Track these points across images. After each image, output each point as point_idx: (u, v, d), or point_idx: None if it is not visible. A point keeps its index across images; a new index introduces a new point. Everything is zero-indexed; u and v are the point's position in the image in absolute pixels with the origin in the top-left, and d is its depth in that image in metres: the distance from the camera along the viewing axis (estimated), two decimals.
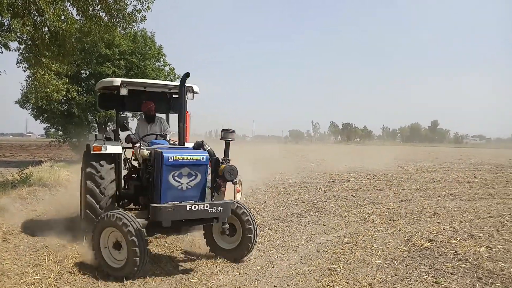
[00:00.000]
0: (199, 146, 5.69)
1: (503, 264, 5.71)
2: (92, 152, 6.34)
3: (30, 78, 15.31)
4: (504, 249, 6.45)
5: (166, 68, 25.10)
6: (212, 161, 5.52)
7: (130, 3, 12.04)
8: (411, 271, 5.49)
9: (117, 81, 6.62)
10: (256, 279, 5.13)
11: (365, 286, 4.92)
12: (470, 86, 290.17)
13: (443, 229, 7.83)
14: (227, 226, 5.45)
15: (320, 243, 6.83)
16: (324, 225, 8.18)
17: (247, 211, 5.76)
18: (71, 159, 23.52)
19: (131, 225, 4.84)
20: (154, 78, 23.12)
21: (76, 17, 11.76)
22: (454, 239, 7.02)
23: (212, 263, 5.69)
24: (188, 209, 5.05)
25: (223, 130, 5.54)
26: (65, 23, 10.97)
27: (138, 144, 6.70)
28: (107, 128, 24.91)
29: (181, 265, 5.60)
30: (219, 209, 5.23)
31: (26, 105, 24.00)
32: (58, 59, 12.08)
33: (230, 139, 5.52)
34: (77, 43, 13.42)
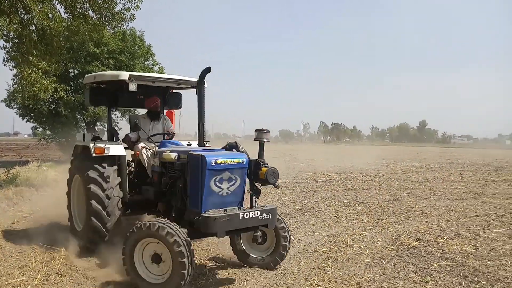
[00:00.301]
0: (232, 147, 5.29)
1: (488, 263, 5.79)
2: (94, 155, 5.82)
3: (17, 77, 15.14)
4: (489, 247, 6.55)
5: (156, 68, 24.98)
6: (251, 164, 5.10)
7: (119, 2, 11.96)
8: (399, 270, 5.54)
9: (125, 74, 5.99)
10: (245, 278, 5.13)
11: (354, 285, 4.96)
12: (458, 87, 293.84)
13: (431, 228, 7.91)
14: (260, 233, 5.02)
15: (309, 243, 6.86)
16: (313, 225, 8.21)
17: (281, 218, 5.50)
18: (59, 159, 23.26)
19: (178, 236, 4.33)
20: None
21: (64, 16, 11.66)
22: (441, 238, 7.10)
23: (200, 263, 5.68)
24: (241, 217, 4.68)
25: (256, 130, 5.07)
26: (53, 22, 10.87)
27: (141, 145, 6.35)
28: (95, 128, 24.70)
29: None
30: (268, 215, 4.91)
31: (12, 104, 23.69)
32: (46, 58, 11.96)
33: (264, 140, 5.05)
34: (65, 42, 13.32)
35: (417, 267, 5.65)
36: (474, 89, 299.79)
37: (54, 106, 22.63)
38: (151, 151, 6.13)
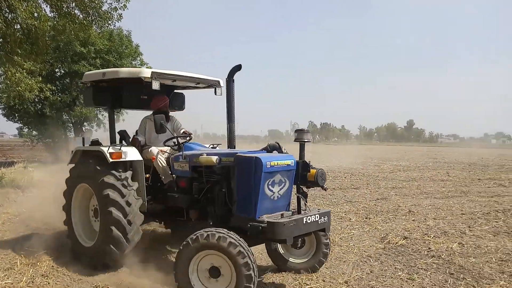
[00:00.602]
0: (274, 148, 5.00)
1: (473, 260, 5.88)
2: (111, 160, 5.28)
3: (2, 77, 14.94)
4: (475, 245, 6.64)
5: (143, 68, 24.84)
6: (298, 166, 4.80)
7: (106, 1, 11.87)
8: (386, 268, 5.59)
9: (147, 71, 5.30)
10: None
11: (341, 284, 4.99)
12: (444, 87, 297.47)
13: (418, 226, 7.99)
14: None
15: None
16: None
17: None
18: (45, 160, 22.98)
19: (242, 247, 3.96)
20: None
21: (49, 15, 11.53)
22: (428, 236, 7.18)
23: None
24: (304, 222, 4.48)
25: (297, 131, 4.79)
26: (38, 21, 10.75)
27: (156, 149, 5.87)
28: (83, 128, 24.47)
29: (162, 266, 5.54)
30: (325, 219, 4.75)
31: None
32: (31, 57, 11.83)
33: (305, 140, 4.76)
34: (51, 41, 13.17)
35: (404, 265, 5.71)
36: (461, 89, 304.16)
37: (40, 106, 22.36)
38: (165, 155, 5.83)
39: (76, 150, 6.01)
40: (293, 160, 4.76)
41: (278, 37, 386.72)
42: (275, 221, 4.30)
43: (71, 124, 24.30)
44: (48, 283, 4.86)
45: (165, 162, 5.79)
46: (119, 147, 5.50)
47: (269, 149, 5.02)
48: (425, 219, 8.72)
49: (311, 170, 4.81)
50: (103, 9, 11.85)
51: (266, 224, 4.30)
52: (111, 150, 5.40)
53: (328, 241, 5.30)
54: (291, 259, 5.42)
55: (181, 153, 5.44)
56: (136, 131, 6.34)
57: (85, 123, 24.80)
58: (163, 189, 5.79)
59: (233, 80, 5.14)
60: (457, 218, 8.82)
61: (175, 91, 6.90)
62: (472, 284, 4.98)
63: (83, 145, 6.08)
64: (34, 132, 25.36)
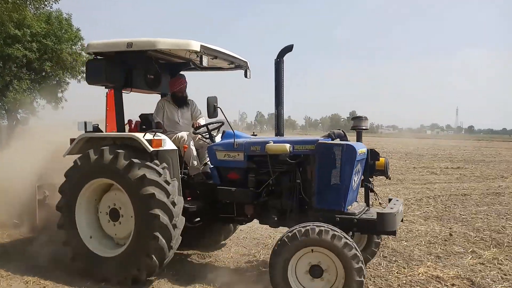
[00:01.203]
0: (338, 136, 4.55)
1: (405, 243, 6.28)
2: (151, 149, 4.47)
3: None
4: (407, 229, 7.09)
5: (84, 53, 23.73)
6: (368, 154, 4.49)
7: None
8: None
9: (195, 44, 4.55)
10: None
11: None
12: (385, 80, 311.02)
13: None
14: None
15: (240, 230, 6.83)
16: None
17: None
18: None
19: (357, 250, 3.66)
20: (70, 63, 21.85)
21: None
22: None
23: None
24: (399, 211, 4.19)
25: (353, 118, 4.49)
26: None
27: (186, 135, 5.22)
28: (17, 116, 23.05)
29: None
30: (402, 209, 4.54)
31: None
32: None
33: (363, 128, 4.48)
34: None
35: None
36: (399, 81, 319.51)
37: None
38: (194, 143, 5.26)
39: (81, 137, 4.91)
40: (366, 149, 4.52)
41: (234, 30, 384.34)
42: (386, 212, 3.98)
43: (3, 111, 22.80)
44: None
45: (195, 151, 5.22)
46: (153, 134, 4.67)
47: (334, 137, 4.56)
48: None
49: (380, 159, 4.59)
50: None
51: (375, 217, 3.98)
52: (148, 136, 4.59)
53: (379, 240, 5.08)
54: None
55: (230, 140, 4.87)
56: (152, 115, 5.56)
57: (20, 110, 23.37)
58: (193, 183, 5.13)
59: (283, 61, 4.92)
60: None
61: (181, 72, 5.90)
62: (403, 266, 5.32)
63: (85, 131, 4.97)
64: None
